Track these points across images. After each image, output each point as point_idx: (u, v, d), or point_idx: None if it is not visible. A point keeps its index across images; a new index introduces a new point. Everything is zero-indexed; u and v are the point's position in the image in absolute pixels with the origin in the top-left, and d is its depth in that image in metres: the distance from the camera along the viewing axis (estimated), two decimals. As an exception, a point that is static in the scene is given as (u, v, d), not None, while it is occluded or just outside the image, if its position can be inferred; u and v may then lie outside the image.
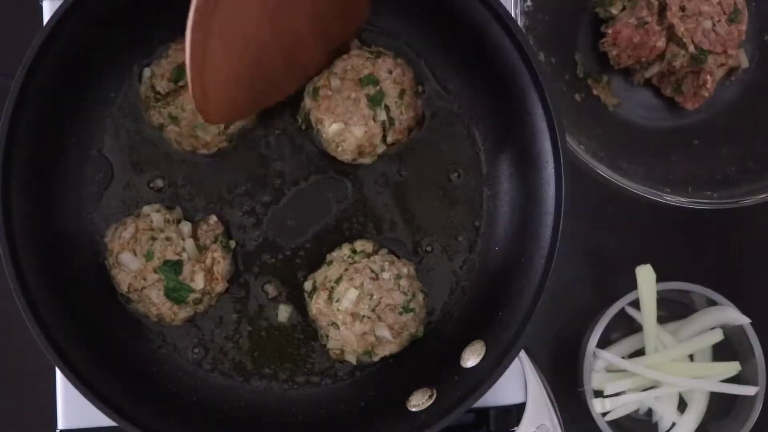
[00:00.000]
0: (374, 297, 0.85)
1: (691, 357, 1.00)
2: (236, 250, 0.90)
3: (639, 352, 1.01)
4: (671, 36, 0.99)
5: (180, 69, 0.86)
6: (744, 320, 0.97)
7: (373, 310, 0.85)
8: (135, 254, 0.85)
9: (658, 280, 0.95)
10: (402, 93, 0.87)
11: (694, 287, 0.97)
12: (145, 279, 0.85)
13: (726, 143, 1.04)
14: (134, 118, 0.91)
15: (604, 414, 0.97)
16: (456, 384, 0.82)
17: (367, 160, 0.90)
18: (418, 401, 0.83)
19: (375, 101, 0.86)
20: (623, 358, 0.98)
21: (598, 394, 0.98)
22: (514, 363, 0.79)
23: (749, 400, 0.96)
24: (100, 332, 0.86)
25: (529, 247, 0.84)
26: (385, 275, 0.86)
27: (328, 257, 0.89)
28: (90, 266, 0.88)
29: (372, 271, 0.86)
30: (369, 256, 0.87)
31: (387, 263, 0.87)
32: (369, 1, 0.88)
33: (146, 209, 0.88)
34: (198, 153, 0.90)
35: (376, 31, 0.92)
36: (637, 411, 1.01)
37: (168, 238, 0.85)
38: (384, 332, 0.85)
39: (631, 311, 0.98)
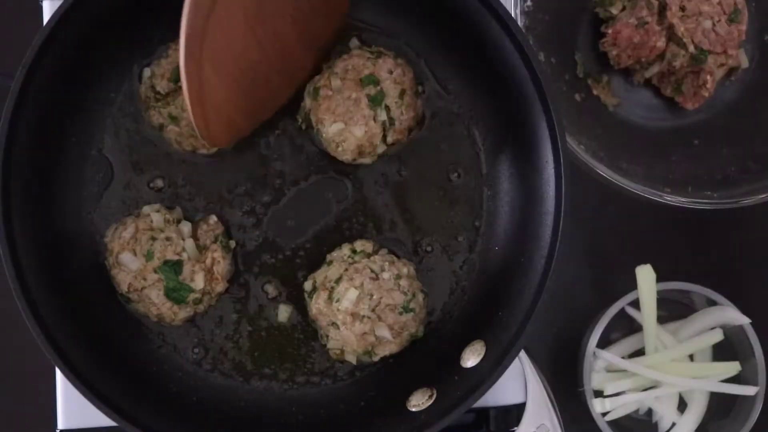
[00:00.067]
0: (374, 297, 0.85)
1: (691, 357, 1.00)
2: (236, 250, 0.90)
3: (639, 352, 1.01)
4: (671, 36, 0.99)
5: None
6: (744, 320, 0.97)
7: (373, 310, 0.85)
8: (135, 254, 0.85)
9: (658, 280, 0.95)
10: (402, 93, 0.87)
11: (694, 287, 0.97)
12: (145, 279, 0.85)
13: (726, 143, 1.04)
14: (134, 118, 0.91)
15: (604, 414, 0.97)
16: (456, 384, 0.82)
17: (367, 160, 0.90)
18: (418, 401, 0.83)
19: (375, 101, 0.86)
20: (623, 358, 0.98)
21: (598, 394, 0.98)
22: (514, 363, 0.79)
23: (749, 400, 0.96)
24: (100, 332, 0.86)
25: (529, 247, 0.84)
26: (385, 275, 0.86)
27: (328, 257, 0.89)
28: (90, 266, 0.88)
29: (372, 271, 0.86)
30: (369, 256, 0.87)
31: (387, 263, 0.87)
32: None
33: (146, 209, 0.88)
34: (198, 153, 0.90)
35: (376, 31, 0.92)
36: (637, 411, 1.01)
37: (168, 238, 0.85)
38: (384, 332, 0.85)
39: (631, 311, 0.98)
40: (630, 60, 1.01)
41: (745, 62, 1.04)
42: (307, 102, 0.89)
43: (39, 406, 0.97)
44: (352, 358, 0.87)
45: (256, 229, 0.91)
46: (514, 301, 0.83)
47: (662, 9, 0.98)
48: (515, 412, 0.88)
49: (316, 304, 0.86)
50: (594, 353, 0.97)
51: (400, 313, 0.85)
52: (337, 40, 0.91)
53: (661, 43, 0.99)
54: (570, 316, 1.05)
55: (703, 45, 0.98)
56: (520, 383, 0.86)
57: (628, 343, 1.01)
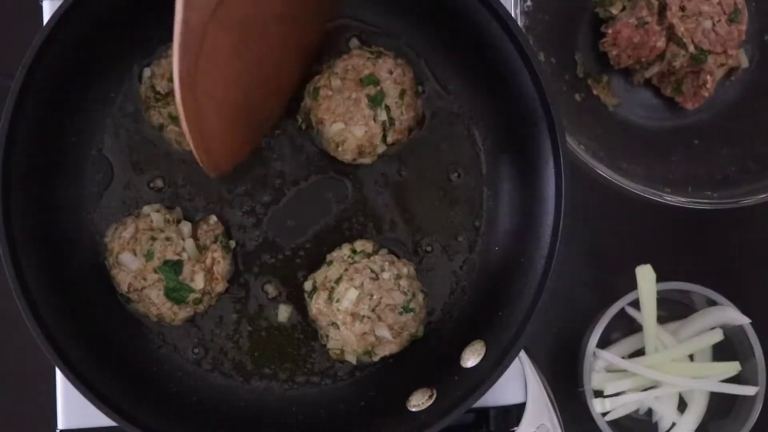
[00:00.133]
0: (374, 297, 0.85)
1: (691, 357, 1.00)
2: (236, 250, 0.90)
3: (639, 352, 1.01)
4: (671, 36, 0.99)
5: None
6: (744, 320, 0.97)
7: (373, 310, 0.85)
8: (135, 254, 0.85)
9: (658, 280, 0.95)
10: (402, 93, 0.87)
11: (694, 287, 0.97)
12: (145, 279, 0.85)
13: (726, 143, 1.04)
14: (134, 118, 0.91)
15: (604, 414, 0.97)
16: (456, 384, 0.82)
17: (367, 160, 0.90)
18: (418, 401, 0.83)
19: (375, 101, 0.86)
20: (623, 358, 0.98)
21: (598, 394, 0.98)
22: (514, 363, 0.79)
23: (749, 400, 0.96)
24: (100, 332, 0.86)
25: (529, 247, 0.84)
26: (385, 275, 0.86)
27: (328, 257, 0.89)
28: (90, 266, 0.88)
29: (372, 271, 0.86)
30: (369, 256, 0.87)
31: (387, 263, 0.87)
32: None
33: (146, 209, 0.88)
34: (198, 153, 0.90)
35: (376, 31, 0.92)
36: (637, 411, 1.01)
37: (168, 238, 0.85)
38: (384, 332, 0.85)
39: (631, 311, 0.98)
40: (630, 60, 1.01)
41: (745, 62, 1.04)
42: (307, 102, 0.89)
43: (39, 406, 0.97)
44: (352, 358, 0.87)
45: (256, 229, 0.91)
46: (514, 301, 0.83)
47: (662, 9, 0.98)
48: (515, 412, 0.88)
49: (316, 304, 0.86)
50: (594, 353, 0.97)
51: (400, 313, 0.85)
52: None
53: (661, 43, 0.99)
54: (570, 316, 1.05)
55: (703, 45, 0.98)
56: (520, 383, 0.86)
57: (628, 343, 1.01)
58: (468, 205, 0.92)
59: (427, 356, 0.89)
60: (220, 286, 0.88)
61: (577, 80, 1.04)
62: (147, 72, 0.89)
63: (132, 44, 0.89)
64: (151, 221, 0.86)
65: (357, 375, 0.90)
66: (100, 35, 0.85)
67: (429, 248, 0.92)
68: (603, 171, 0.97)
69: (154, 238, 0.85)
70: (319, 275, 0.88)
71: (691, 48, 0.98)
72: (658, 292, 0.96)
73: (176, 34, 0.70)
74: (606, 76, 1.05)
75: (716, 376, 0.97)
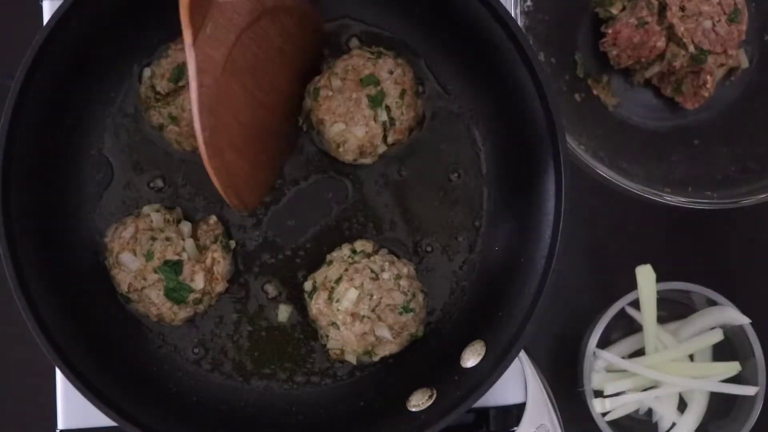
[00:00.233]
0: (374, 297, 0.85)
1: (691, 357, 1.00)
2: (236, 250, 0.91)
3: (639, 352, 1.01)
4: (671, 36, 0.99)
5: (180, 69, 0.86)
6: (744, 320, 0.97)
7: (373, 310, 0.85)
8: (135, 254, 0.85)
9: (658, 280, 0.95)
10: (403, 93, 0.87)
11: (694, 287, 0.97)
12: (145, 279, 0.85)
13: (726, 143, 1.04)
14: (134, 118, 0.91)
15: (604, 414, 0.97)
16: (456, 384, 0.82)
17: (367, 161, 0.90)
18: (418, 401, 0.83)
19: (376, 102, 0.86)
20: (623, 358, 0.98)
21: (598, 394, 0.98)
22: (514, 363, 0.79)
23: (749, 400, 0.96)
24: (100, 332, 0.86)
25: (529, 247, 0.84)
26: (385, 275, 0.86)
27: (328, 257, 0.89)
28: (90, 266, 0.88)
29: (372, 271, 0.86)
30: (369, 256, 0.87)
31: (387, 263, 0.87)
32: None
33: (146, 209, 0.88)
34: (198, 153, 0.90)
35: (376, 32, 0.92)
36: (637, 411, 1.01)
37: (168, 238, 0.85)
38: (384, 332, 0.85)
39: (631, 311, 0.98)
40: (630, 60, 1.01)
41: (745, 62, 1.04)
42: (308, 102, 0.89)
43: (39, 406, 0.97)
44: (352, 358, 0.87)
45: (256, 229, 0.91)
46: (514, 301, 0.83)
47: (662, 9, 0.98)
48: (515, 412, 0.88)
49: (316, 304, 0.86)
50: (594, 353, 0.97)
51: (400, 313, 0.85)
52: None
53: (661, 43, 0.99)
54: (570, 316, 1.05)
55: (703, 45, 0.98)
56: (520, 383, 0.86)
57: (628, 343, 1.01)
58: (468, 205, 0.92)
59: (427, 356, 0.89)
60: (220, 286, 0.88)
61: (577, 80, 1.04)
62: (147, 72, 0.89)
63: (132, 44, 0.89)
64: (151, 221, 0.86)
65: (357, 375, 0.90)
66: (100, 35, 0.85)
67: (429, 248, 0.92)
68: (603, 171, 0.97)
69: (154, 238, 0.85)
70: (319, 275, 0.88)
71: (691, 48, 0.98)
72: (658, 292, 0.96)
73: (193, 99, 0.71)
74: (606, 76, 1.05)
75: (716, 376, 0.97)
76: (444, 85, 0.92)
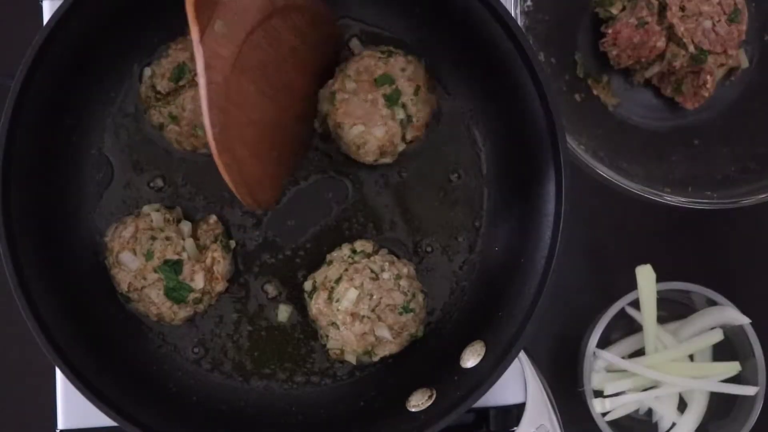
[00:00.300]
0: (374, 297, 0.85)
1: (691, 357, 1.00)
2: (236, 249, 0.91)
3: (639, 352, 1.01)
4: (671, 36, 0.99)
5: (180, 68, 0.86)
6: (744, 320, 0.97)
7: (373, 310, 0.85)
8: (135, 254, 0.85)
9: (658, 280, 0.95)
10: (417, 89, 0.87)
11: (694, 287, 0.97)
12: (145, 278, 0.85)
13: (726, 143, 1.04)
14: (134, 118, 0.91)
15: (604, 414, 0.97)
16: (456, 384, 0.82)
17: (388, 160, 0.90)
18: (418, 401, 0.83)
19: (392, 100, 0.86)
20: (623, 358, 0.98)
21: (598, 394, 0.98)
22: (514, 363, 0.79)
23: (749, 400, 0.96)
24: (100, 332, 0.86)
25: (529, 247, 0.84)
26: (385, 275, 0.86)
27: (328, 257, 0.89)
28: (90, 266, 0.88)
29: (372, 271, 0.86)
30: (369, 256, 0.87)
31: (387, 263, 0.87)
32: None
33: (146, 209, 0.88)
34: (198, 152, 0.90)
35: (376, 31, 0.92)
36: (637, 411, 1.01)
37: (168, 238, 0.85)
38: (384, 332, 0.85)
39: (631, 311, 0.98)
40: (630, 60, 1.01)
41: (745, 62, 1.04)
42: (324, 107, 0.89)
43: (39, 406, 0.97)
44: (352, 358, 0.87)
45: (256, 229, 0.91)
46: (514, 301, 0.83)
47: (662, 9, 0.98)
48: (515, 412, 0.88)
49: (316, 304, 0.86)
50: (594, 353, 0.97)
51: (400, 313, 0.85)
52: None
53: (661, 43, 0.99)
54: (570, 316, 1.05)
55: (703, 45, 0.98)
56: (519, 383, 0.86)
57: (628, 343, 1.01)
58: (468, 205, 0.92)
59: (427, 356, 0.89)
60: (220, 286, 0.88)
61: (577, 80, 1.04)
62: (147, 71, 0.89)
63: (132, 44, 0.89)
64: (151, 221, 0.86)
65: (357, 375, 0.90)
66: (100, 35, 0.85)
67: (429, 248, 0.92)
68: (603, 171, 0.97)
69: (154, 238, 0.85)
70: (319, 275, 0.88)
71: (691, 48, 0.98)
72: (658, 292, 0.96)
73: (202, 96, 0.71)
74: (606, 76, 1.05)
75: (716, 376, 0.97)
76: (444, 85, 0.92)
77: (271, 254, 0.91)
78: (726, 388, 0.96)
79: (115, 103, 0.91)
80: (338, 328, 0.85)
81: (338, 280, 0.86)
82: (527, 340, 0.80)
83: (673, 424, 0.99)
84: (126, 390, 0.82)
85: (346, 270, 0.86)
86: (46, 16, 0.90)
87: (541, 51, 1.01)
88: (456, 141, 0.92)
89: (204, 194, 0.91)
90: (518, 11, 0.97)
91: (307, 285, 0.89)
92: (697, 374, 0.97)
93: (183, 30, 0.89)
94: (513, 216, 0.89)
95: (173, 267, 0.85)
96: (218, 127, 0.73)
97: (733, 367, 0.97)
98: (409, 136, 0.88)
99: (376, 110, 0.86)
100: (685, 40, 0.97)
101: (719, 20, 0.98)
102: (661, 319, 0.98)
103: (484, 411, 0.89)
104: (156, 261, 0.85)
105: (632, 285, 0.96)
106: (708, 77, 0.99)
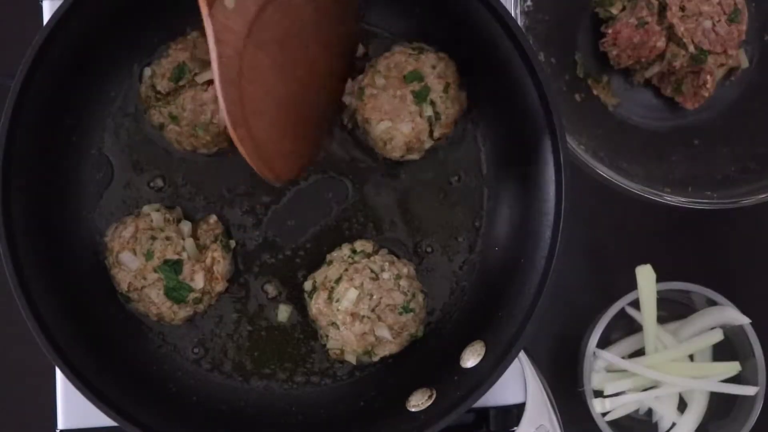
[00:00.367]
0: (374, 297, 0.85)
1: (691, 357, 1.00)
2: (236, 249, 0.91)
3: (639, 352, 1.01)
4: (671, 36, 0.99)
5: (180, 68, 0.86)
6: (744, 320, 0.97)
7: (372, 310, 0.85)
8: (135, 253, 0.85)
9: (658, 280, 0.95)
10: (447, 87, 0.87)
11: (694, 287, 0.97)
12: (144, 278, 0.85)
13: (726, 143, 1.04)
14: (134, 118, 0.91)
15: (604, 414, 0.97)
16: (456, 384, 0.82)
17: (414, 156, 0.90)
18: (418, 401, 0.83)
19: (420, 97, 0.86)
20: (623, 358, 0.98)
21: (598, 394, 0.98)
22: (514, 363, 0.79)
23: (749, 400, 0.96)
24: (100, 332, 0.86)
25: (529, 247, 0.84)
26: (385, 275, 0.86)
27: (328, 257, 0.89)
28: (90, 266, 0.88)
29: (372, 271, 0.86)
30: (369, 256, 0.87)
31: (387, 263, 0.87)
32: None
33: (146, 209, 0.88)
34: (198, 152, 0.90)
35: (376, 31, 0.92)
36: (637, 411, 1.01)
37: (168, 238, 0.85)
38: (384, 332, 0.85)
39: (631, 311, 0.98)
40: (630, 60, 1.01)
41: (745, 62, 1.04)
42: (353, 102, 0.89)
43: (39, 406, 0.97)
44: (351, 358, 0.87)
45: (256, 229, 0.91)
46: (514, 301, 0.83)
47: (662, 9, 0.98)
48: (515, 412, 0.88)
49: (316, 304, 0.86)
50: (594, 353, 0.97)
51: (400, 313, 0.85)
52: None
53: (661, 43, 0.99)
54: (570, 316, 1.05)
55: (703, 45, 0.98)
56: (519, 383, 0.86)
57: (628, 343, 1.01)
58: (468, 205, 0.92)
59: (427, 356, 0.89)
60: (219, 286, 0.88)
61: (577, 80, 1.04)
62: (147, 71, 0.89)
63: (132, 44, 0.89)
64: (151, 221, 0.86)
65: (357, 375, 0.90)
66: (100, 35, 0.85)
67: (429, 248, 0.92)
68: (603, 171, 0.97)
69: (154, 238, 0.85)
70: (319, 275, 0.88)
71: (691, 48, 0.98)
72: (658, 292, 0.96)
73: (214, 69, 0.72)
74: (606, 76, 1.05)
75: (716, 376, 0.97)
76: (444, 85, 0.92)
77: (271, 254, 0.91)
78: (726, 388, 0.96)
79: (115, 103, 0.91)
80: (338, 328, 0.85)
81: (338, 280, 0.86)
82: (527, 340, 0.80)
83: (673, 424, 0.99)
84: (126, 390, 0.82)
85: (346, 270, 0.86)
86: (46, 16, 0.90)
87: (541, 51, 1.01)
88: (456, 141, 0.92)
89: (204, 194, 0.91)
90: (518, 11, 0.97)
91: (307, 285, 0.89)
92: (697, 374, 0.97)
93: (183, 30, 0.89)
94: (513, 216, 0.89)
95: (173, 267, 0.85)
96: (231, 101, 0.73)
97: (733, 367, 0.97)
98: (437, 134, 0.89)
99: (404, 106, 0.86)
100: (685, 40, 0.97)
101: (719, 20, 0.98)
102: (661, 319, 0.98)
103: (484, 411, 0.89)
104: (156, 261, 0.85)
105: (632, 285, 0.96)
106: (708, 77, 0.99)
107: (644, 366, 0.96)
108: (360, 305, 0.84)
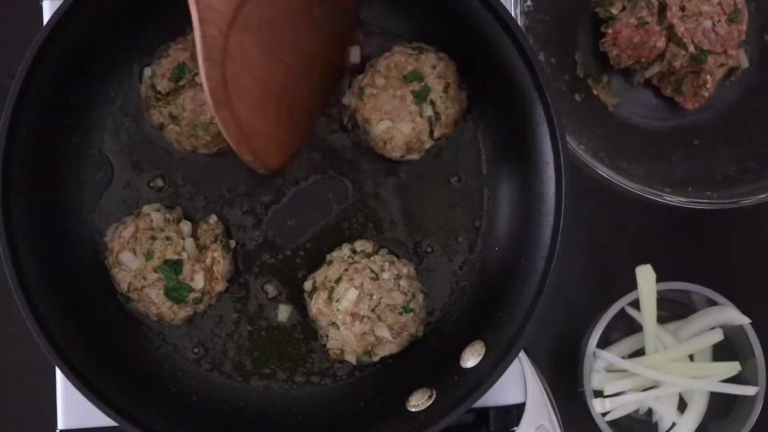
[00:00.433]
0: (374, 297, 0.85)
1: (691, 357, 1.00)
2: (236, 249, 0.91)
3: (639, 352, 1.01)
4: (671, 36, 0.99)
5: (180, 68, 0.86)
6: (744, 320, 0.97)
7: (372, 310, 0.85)
8: (135, 253, 0.85)
9: (658, 280, 0.95)
10: (447, 87, 0.87)
11: (694, 287, 0.97)
12: (144, 278, 0.85)
13: (726, 143, 1.04)
14: (134, 118, 0.91)
15: (604, 414, 0.97)
16: (456, 384, 0.82)
17: (415, 156, 0.90)
18: (418, 401, 0.83)
19: (420, 97, 0.86)
20: (623, 358, 0.98)
21: (598, 394, 0.98)
22: (514, 363, 0.79)
23: (749, 400, 0.96)
24: (100, 332, 0.86)
25: (529, 247, 0.84)
26: (385, 275, 0.86)
27: (328, 257, 0.89)
28: (90, 266, 0.88)
29: (372, 271, 0.86)
30: (369, 256, 0.87)
31: (387, 263, 0.87)
32: None
33: (146, 209, 0.88)
34: (198, 152, 0.90)
35: (377, 31, 0.92)
36: (637, 411, 1.01)
37: (168, 238, 0.85)
38: (384, 332, 0.85)
39: (631, 311, 0.98)
40: (630, 60, 1.01)
41: (745, 62, 1.04)
42: (353, 102, 0.89)
43: (39, 406, 0.97)
44: (351, 358, 0.87)
45: (256, 229, 0.91)
46: (514, 301, 0.83)
47: (662, 9, 0.98)
48: (515, 412, 0.88)
49: (316, 304, 0.86)
50: (594, 353, 0.97)
51: (400, 313, 0.85)
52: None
53: (661, 43, 0.99)
54: (570, 316, 1.05)
55: (703, 45, 0.98)
56: (519, 383, 0.86)
57: (628, 343, 1.01)
58: (468, 205, 0.92)
59: (427, 356, 0.89)
60: (219, 286, 0.88)
61: (577, 80, 1.04)
62: (147, 71, 0.89)
63: (132, 44, 0.89)
64: (151, 221, 0.86)
65: (357, 375, 0.90)
66: (100, 35, 0.85)
67: (429, 248, 0.92)
68: (603, 171, 0.97)
69: (154, 238, 0.85)
70: (319, 275, 0.88)
71: (691, 48, 0.98)
72: (658, 292, 0.96)
73: (198, 48, 0.71)
74: (606, 76, 1.05)
75: (716, 376, 0.97)
76: (444, 85, 0.92)
77: (271, 254, 0.91)
78: (726, 388, 0.96)
79: (115, 103, 0.91)
80: (338, 328, 0.85)
81: (338, 280, 0.86)
82: (527, 340, 0.80)
83: (673, 424, 0.99)
84: (126, 390, 0.82)
85: (346, 270, 0.86)
86: (46, 16, 0.90)
87: (541, 51, 1.01)
88: (456, 141, 0.92)
89: (204, 194, 0.91)
90: (518, 11, 0.97)
91: (307, 285, 0.89)
92: (697, 374, 0.97)
93: (183, 30, 0.89)
94: (513, 216, 0.89)
95: (173, 267, 0.85)
96: (214, 81, 0.73)
97: (733, 367, 0.97)
98: (437, 134, 0.89)
99: (403, 106, 0.86)
100: (685, 40, 0.97)
101: (719, 20, 0.98)
102: (661, 319, 0.98)
103: (484, 411, 0.89)
104: (156, 261, 0.85)
105: (632, 285, 0.96)
106: (708, 77, 0.99)
107: (644, 366, 0.96)
108: (360, 305, 0.84)
